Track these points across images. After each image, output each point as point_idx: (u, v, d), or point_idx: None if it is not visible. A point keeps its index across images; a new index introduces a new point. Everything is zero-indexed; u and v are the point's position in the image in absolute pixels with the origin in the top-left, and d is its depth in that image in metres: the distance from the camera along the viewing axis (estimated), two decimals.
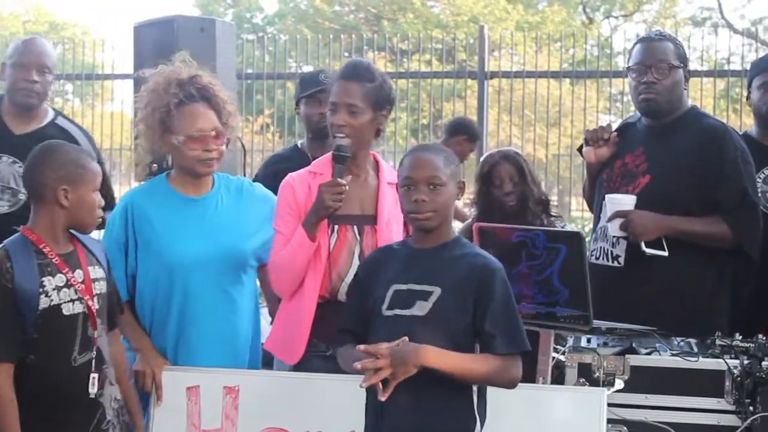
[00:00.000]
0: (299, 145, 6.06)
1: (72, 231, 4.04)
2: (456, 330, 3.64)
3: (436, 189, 3.73)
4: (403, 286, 3.72)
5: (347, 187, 4.32)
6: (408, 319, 3.67)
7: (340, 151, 4.38)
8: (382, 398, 3.55)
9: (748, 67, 6.02)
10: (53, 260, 3.92)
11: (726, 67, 12.35)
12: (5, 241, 3.97)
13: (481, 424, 3.67)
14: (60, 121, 5.49)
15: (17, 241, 3.96)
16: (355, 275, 4.10)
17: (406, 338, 3.57)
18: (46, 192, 3.93)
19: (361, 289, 3.88)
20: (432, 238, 3.78)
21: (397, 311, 3.70)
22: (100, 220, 4.10)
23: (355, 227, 4.46)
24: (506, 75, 12.83)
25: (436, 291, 3.67)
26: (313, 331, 4.39)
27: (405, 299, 3.70)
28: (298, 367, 4.45)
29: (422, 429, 3.63)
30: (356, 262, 4.38)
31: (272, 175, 5.18)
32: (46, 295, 3.86)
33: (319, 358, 4.41)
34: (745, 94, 5.81)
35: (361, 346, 3.58)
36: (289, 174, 4.60)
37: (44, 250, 3.92)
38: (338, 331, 3.89)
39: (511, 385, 3.68)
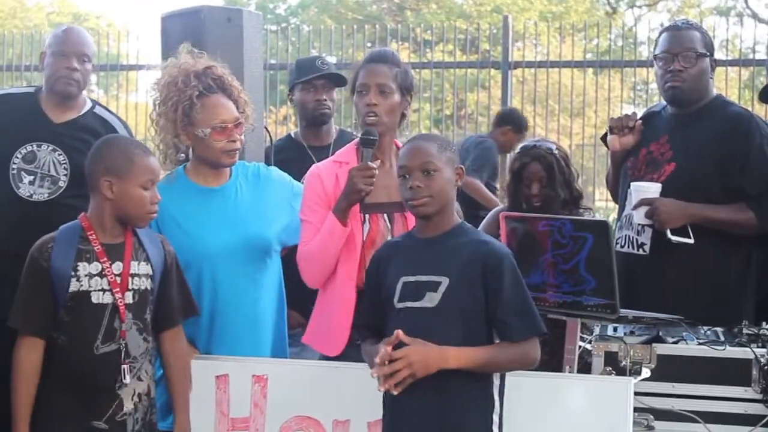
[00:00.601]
0: (292, 134, 6.10)
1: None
2: (469, 319, 3.68)
3: (431, 175, 3.77)
4: (411, 278, 3.75)
5: (377, 171, 4.33)
6: (419, 311, 3.71)
7: (368, 134, 4.39)
8: (395, 392, 3.61)
9: None
10: (95, 248, 3.99)
11: (751, 57, 12.28)
12: (63, 225, 4.09)
13: (500, 405, 3.71)
14: (98, 110, 5.52)
15: (70, 226, 4.08)
16: (366, 271, 4.11)
17: (419, 340, 3.62)
18: (94, 182, 4.04)
19: (372, 283, 3.93)
20: (434, 226, 3.81)
21: (408, 303, 3.74)
22: (154, 216, 4.14)
23: (386, 215, 4.49)
24: (530, 65, 12.80)
25: (444, 281, 3.70)
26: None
27: (414, 291, 3.73)
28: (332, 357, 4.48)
29: (442, 416, 3.67)
30: None
31: (276, 166, 5.15)
32: (77, 280, 3.95)
33: (352, 347, 4.39)
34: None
35: (377, 359, 3.62)
36: (315, 165, 4.63)
37: (90, 237, 4.01)
38: (357, 327, 3.96)
39: (531, 367, 3.75)
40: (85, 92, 5.53)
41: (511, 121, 9.80)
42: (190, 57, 4.65)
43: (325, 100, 5.90)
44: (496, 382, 3.72)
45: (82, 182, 4.38)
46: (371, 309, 3.90)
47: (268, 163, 5.29)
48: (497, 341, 3.71)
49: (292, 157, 4.93)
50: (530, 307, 3.70)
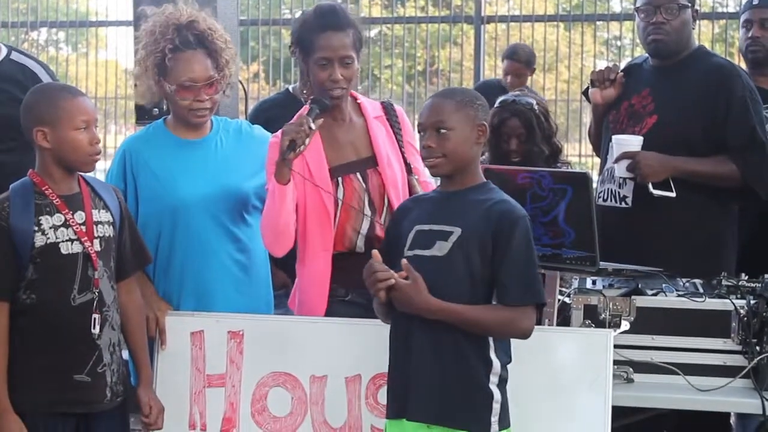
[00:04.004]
0: (291, 89, 5.92)
1: (82, 174, 4.05)
2: (475, 273, 3.63)
3: (443, 134, 3.70)
4: (425, 227, 3.71)
5: (314, 128, 4.20)
6: (428, 260, 3.66)
7: (322, 99, 4.32)
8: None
9: None
10: (54, 201, 3.92)
11: (722, 11, 12.25)
12: (13, 184, 4.00)
13: (502, 367, 3.67)
14: (15, 56, 5.31)
15: (21, 183, 3.99)
16: (388, 222, 4.06)
17: (418, 283, 3.59)
18: (30, 136, 3.95)
19: (388, 236, 3.91)
20: (456, 181, 3.75)
21: (417, 251, 3.70)
22: (97, 157, 4.03)
23: (358, 174, 4.42)
24: (503, 19, 12.74)
25: (456, 231, 3.65)
26: (333, 278, 4.37)
27: (425, 239, 3.69)
28: None
29: (438, 371, 3.65)
30: (368, 210, 4.38)
31: (264, 122, 5.05)
32: (43, 233, 3.88)
33: (337, 303, 4.39)
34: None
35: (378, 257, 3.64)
36: (273, 135, 4.44)
37: (46, 191, 3.93)
38: None
39: (522, 336, 3.68)
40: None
41: None
42: (184, 6, 4.55)
43: None
44: (492, 343, 3.66)
45: (6, 135, 4.27)
46: (383, 261, 3.82)
47: (253, 119, 5.20)
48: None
49: (286, 113, 4.79)
50: (533, 274, 3.63)
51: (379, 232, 4.36)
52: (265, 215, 4.34)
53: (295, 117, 4.36)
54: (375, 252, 3.67)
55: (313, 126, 4.20)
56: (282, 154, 4.16)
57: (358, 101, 4.54)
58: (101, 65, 14.11)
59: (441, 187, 3.86)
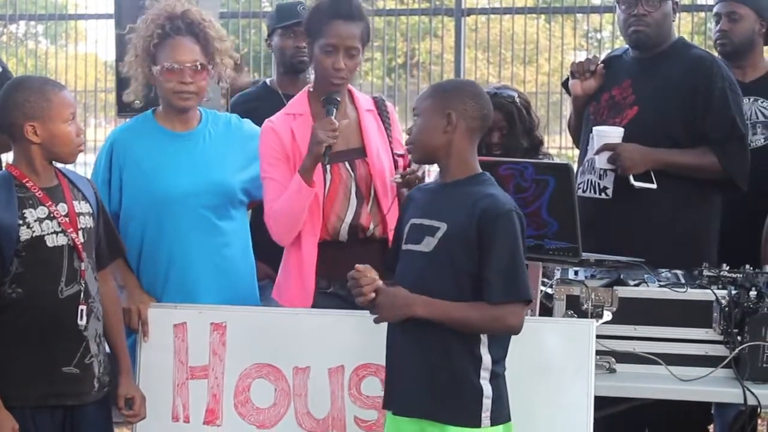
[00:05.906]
0: (268, 82, 5.95)
1: (57, 166, 4.03)
2: (460, 270, 3.61)
3: (415, 120, 3.77)
4: (418, 221, 3.73)
5: (338, 131, 4.26)
6: (416, 255, 3.68)
7: (332, 95, 4.36)
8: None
9: None
10: (36, 194, 3.91)
11: (701, 2, 12.26)
12: None
13: (494, 363, 3.66)
14: None
15: (0, 177, 3.97)
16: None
17: (369, 265, 3.65)
18: (16, 130, 3.92)
19: (397, 226, 3.91)
20: (446, 172, 3.76)
21: (410, 246, 3.72)
22: (82, 149, 4.05)
23: (347, 163, 4.44)
24: (483, 12, 12.73)
25: (443, 227, 3.65)
26: (316, 269, 4.40)
27: (417, 234, 3.71)
28: None
29: (424, 367, 3.65)
30: (354, 200, 4.41)
31: (242, 115, 5.02)
32: (28, 227, 3.86)
33: (320, 295, 4.41)
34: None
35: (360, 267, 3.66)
36: (267, 120, 4.54)
37: (27, 184, 3.92)
38: (384, 270, 3.86)
39: (510, 333, 3.68)
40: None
41: None
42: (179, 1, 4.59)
43: (305, 47, 5.70)
44: (485, 339, 3.64)
45: None
46: (393, 250, 3.88)
47: (231, 112, 5.21)
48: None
49: (265, 106, 4.80)
50: (517, 270, 3.59)
51: (364, 221, 4.41)
52: (283, 212, 4.35)
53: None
54: (358, 266, 3.67)
55: (336, 123, 4.26)
56: (317, 158, 4.23)
57: (353, 94, 4.57)
58: (81, 58, 14.04)
59: (439, 178, 3.86)
